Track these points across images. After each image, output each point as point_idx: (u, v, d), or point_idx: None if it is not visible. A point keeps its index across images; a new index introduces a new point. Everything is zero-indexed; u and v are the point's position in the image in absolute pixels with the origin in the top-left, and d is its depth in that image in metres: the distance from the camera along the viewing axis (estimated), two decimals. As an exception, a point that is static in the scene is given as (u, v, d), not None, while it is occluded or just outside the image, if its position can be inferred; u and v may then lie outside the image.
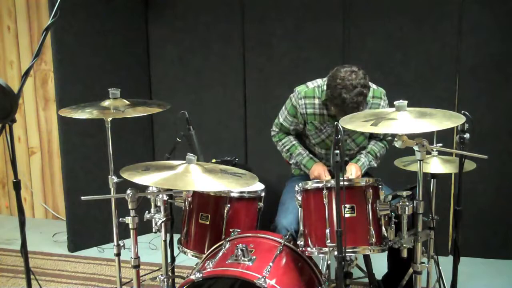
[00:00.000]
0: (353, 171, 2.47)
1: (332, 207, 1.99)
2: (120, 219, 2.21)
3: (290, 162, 2.70)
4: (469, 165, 2.32)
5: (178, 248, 2.37)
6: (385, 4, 3.28)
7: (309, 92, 2.54)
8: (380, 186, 2.08)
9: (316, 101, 2.53)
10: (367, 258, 2.51)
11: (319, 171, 2.50)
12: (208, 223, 2.28)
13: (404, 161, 2.43)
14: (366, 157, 2.59)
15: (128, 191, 2.07)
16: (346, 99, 2.24)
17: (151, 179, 1.90)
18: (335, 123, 1.82)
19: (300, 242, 2.08)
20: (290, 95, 2.62)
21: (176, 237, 2.43)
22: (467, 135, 2.12)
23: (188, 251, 2.32)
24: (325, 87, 2.44)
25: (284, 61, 3.48)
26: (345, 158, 2.60)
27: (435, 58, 3.24)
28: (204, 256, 2.20)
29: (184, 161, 2.00)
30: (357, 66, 2.32)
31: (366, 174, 2.63)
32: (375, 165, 2.63)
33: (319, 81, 2.57)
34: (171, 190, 2.12)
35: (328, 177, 2.47)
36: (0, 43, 4.12)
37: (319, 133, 2.58)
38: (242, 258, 1.90)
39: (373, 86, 2.52)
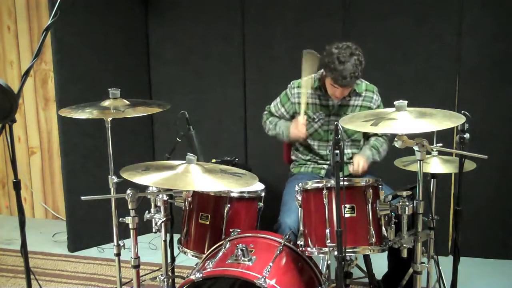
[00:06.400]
0: (360, 162, 2.52)
1: (332, 207, 1.99)
2: (120, 219, 2.21)
3: (274, 133, 2.75)
4: (469, 165, 2.32)
5: (178, 248, 2.36)
6: (385, 4, 3.28)
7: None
8: (380, 186, 2.08)
9: (309, 91, 2.66)
10: (367, 258, 2.51)
11: (294, 131, 2.59)
12: (208, 223, 2.28)
13: (404, 161, 2.43)
14: (370, 151, 2.64)
15: (128, 191, 2.07)
16: (345, 63, 2.39)
17: (151, 179, 1.90)
18: (335, 123, 1.82)
19: (300, 242, 2.07)
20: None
21: (176, 237, 2.42)
22: (467, 135, 2.12)
23: (188, 251, 2.31)
24: (318, 76, 2.65)
25: (284, 61, 3.47)
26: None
27: (435, 58, 3.24)
28: (204, 256, 2.20)
29: (184, 161, 2.00)
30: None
31: (367, 173, 2.63)
32: (378, 159, 2.67)
33: (312, 75, 2.69)
34: (171, 190, 2.12)
35: (304, 130, 2.56)
36: (0, 43, 4.12)
37: (312, 122, 2.67)
38: (242, 258, 1.89)
39: (365, 81, 2.69)
